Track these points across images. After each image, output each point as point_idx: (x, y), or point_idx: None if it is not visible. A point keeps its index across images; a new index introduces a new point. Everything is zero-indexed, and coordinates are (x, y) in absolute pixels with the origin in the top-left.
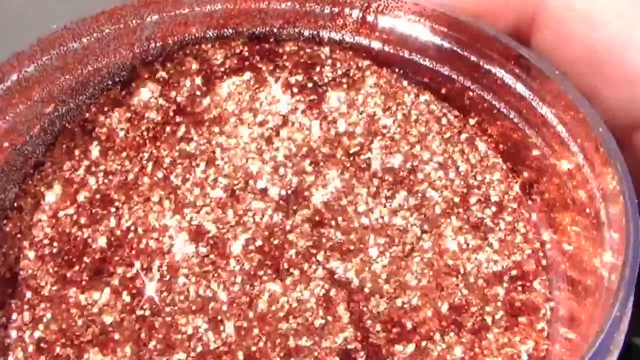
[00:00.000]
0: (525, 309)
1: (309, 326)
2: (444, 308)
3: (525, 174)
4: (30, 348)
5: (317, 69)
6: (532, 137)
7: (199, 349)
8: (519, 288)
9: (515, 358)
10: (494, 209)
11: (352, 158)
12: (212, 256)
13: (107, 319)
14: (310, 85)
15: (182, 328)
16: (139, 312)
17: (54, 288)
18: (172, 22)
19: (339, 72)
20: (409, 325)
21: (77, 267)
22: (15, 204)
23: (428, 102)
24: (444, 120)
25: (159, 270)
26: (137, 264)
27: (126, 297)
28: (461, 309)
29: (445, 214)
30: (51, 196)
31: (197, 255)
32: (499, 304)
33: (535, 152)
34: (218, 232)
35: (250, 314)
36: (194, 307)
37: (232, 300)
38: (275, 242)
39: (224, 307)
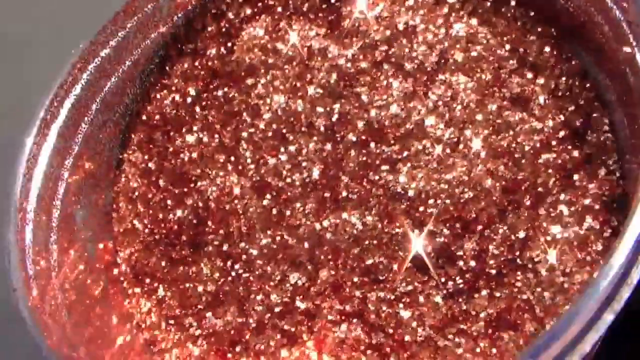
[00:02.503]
0: (586, 157)
1: (378, 244)
2: (498, 192)
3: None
4: (163, 325)
5: None
6: None
7: (290, 289)
8: (569, 147)
9: (592, 205)
10: (530, 75)
11: (382, 66)
12: (277, 207)
13: (212, 287)
14: (325, 6)
15: (272, 276)
16: (233, 274)
17: (165, 270)
18: None
19: None
20: (470, 216)
21: (178, 247)
22: (114, 206)
23: None
24: None
25: (240, 232)
26: (222, 231)
27: (220, 263)
28: (514, 188)
29: (483, 96)
30: (140, 188)
31: (264, 209)
32: (550, 170)
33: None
34: (279, 181)
35: (325, 248)
36: (277, 256)
37: (302, 240)
38: (331, 172)
39: (299, 250)
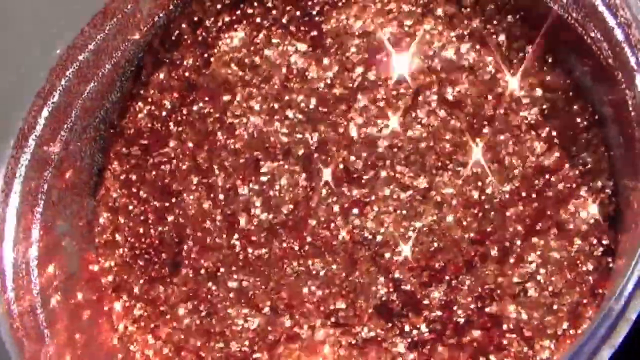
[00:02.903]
0: (552, 206)
1: (341, 291)
2: (465, 243)
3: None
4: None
5: None
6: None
7: (251, 336)
8: (533, 195)
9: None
10: (508, 113)
11: (357, 95)
12: (244, 252)
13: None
14: (306, 18)
15: (235, 320)
16: (196, 316)
17: (144, 289)
18: None
19: None
20: (437, 266)
21: (158, 265)
22: (96, 215)
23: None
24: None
25: (207, 271)
26: (192, 261)
27: (186, 303)
28: (482, 240)
29: (456, 146)
30: (120, 199)
31: (229, 247)
32: (519, 227)
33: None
34: (248, 223)
35: (284, 295)
36: (241, 301)
37: (264, 288)
38: (300, 213)
39: (260, 294)
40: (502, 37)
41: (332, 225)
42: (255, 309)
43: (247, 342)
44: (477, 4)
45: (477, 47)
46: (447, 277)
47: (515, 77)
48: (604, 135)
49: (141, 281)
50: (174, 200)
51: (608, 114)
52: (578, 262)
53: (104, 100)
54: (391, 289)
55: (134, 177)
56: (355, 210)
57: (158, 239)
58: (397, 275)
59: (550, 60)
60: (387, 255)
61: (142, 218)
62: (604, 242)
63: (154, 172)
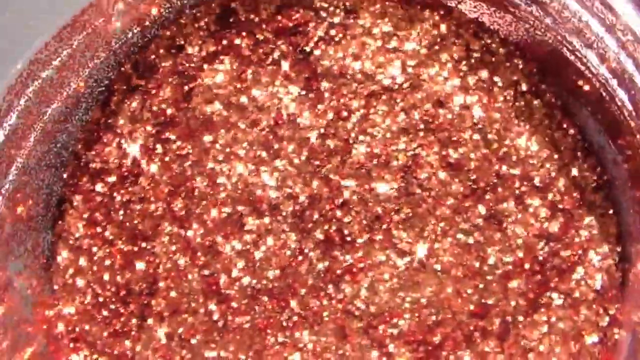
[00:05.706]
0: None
1: None
2: (465, 317)
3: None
4: None
5: (301, 28)
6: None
7: None
8: (537, 267)
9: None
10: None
11: (353, 147)
12: (223, 319)
13: None
14: (300, 56)
15: None
16: None
17: (108, 341)
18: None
19: (328, 24)
20: (435, 340)
21: (124, 317)
22: (54, 253)
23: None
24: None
25: (180, 337)
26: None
27: None
28: (483, 313)
29: (457, 213)
30: (82, 239)
31: (207, 315)
32: (522, 301)
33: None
34: (229, 287)
35: None
36: None
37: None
38: (288, 280)
39: None
40: (509, 91)
41: (322, 293)
42: None
43: None
44: (487, 49)
45: (484, 100)
46: (444, 353)
47: (522, 136)
48: (613, 198)
49: (105, 333)
50: (144, 245)
51: (619, 174)
52: (583, 333)
53: (68, 124)
54: None
55: (98, 216)
56: (347, 277)
57: (125, 288)
58: (391, 349)
59: (559, 116)
60: (381, 327)
61: (107, 262)
62: (610, 312)
63: (121, 212)
